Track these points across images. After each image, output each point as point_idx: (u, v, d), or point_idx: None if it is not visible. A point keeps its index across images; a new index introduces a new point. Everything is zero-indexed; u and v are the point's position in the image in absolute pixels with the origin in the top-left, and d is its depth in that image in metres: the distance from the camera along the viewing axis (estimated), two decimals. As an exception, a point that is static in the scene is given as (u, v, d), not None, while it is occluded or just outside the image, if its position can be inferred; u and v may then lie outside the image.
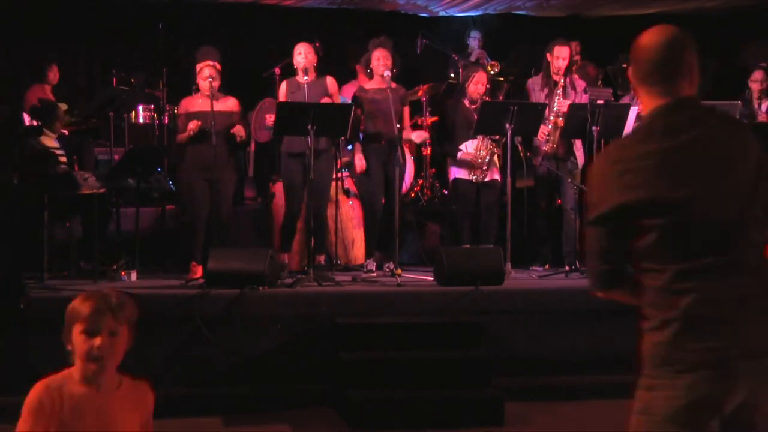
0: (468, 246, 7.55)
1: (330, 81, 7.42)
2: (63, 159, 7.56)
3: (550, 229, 8.03)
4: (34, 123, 8.37)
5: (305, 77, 7.20)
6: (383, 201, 7.51)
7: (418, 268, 7.57)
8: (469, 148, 7.74)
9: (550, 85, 7.78)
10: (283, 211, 7.55)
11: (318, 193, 7.19)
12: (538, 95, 7.81)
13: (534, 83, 7.93)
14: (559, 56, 7.70)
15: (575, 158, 7.98)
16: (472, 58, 9.95)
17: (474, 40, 10.32)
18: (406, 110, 7.64)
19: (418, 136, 8.09)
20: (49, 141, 7.55)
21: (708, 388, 2.35)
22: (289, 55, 7.46)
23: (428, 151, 9.26)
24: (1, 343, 5.78)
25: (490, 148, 7.70)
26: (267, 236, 8.00)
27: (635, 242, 2.43)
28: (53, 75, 9.10)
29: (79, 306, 2.73)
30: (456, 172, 7.82)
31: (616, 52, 9.08)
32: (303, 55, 7.23)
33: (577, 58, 8.82)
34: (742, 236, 2.40)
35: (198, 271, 7.07)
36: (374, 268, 7.41)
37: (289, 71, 7.72)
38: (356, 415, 5.58)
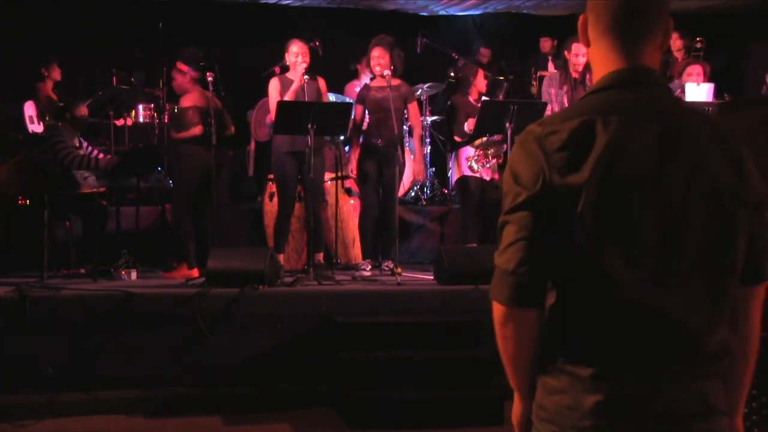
0: (474, 245, 7.52)
1: (321, 82, 7.39)
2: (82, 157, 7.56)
3: None
4: (34, 117, 8.37)
5: (305, 77, 7.18)
6: (378, 200, 7.49)
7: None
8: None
9: (570, 82, 7.58)
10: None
11: (315, 191, 7.18)
12: (557, 92, 7.60)
13: (552, 80, 7.73)
14: (578, 53, 7.48)
15: None
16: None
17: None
18: (412, 107, 7.54)
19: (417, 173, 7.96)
20: (73, 139, 7.51)
21: None
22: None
23: (428, 152, 9.26)
24: (1, 343, 5.77)
25: (484, 150, 7.71)
26: (265, 236, 7.97)
27: None
28: (54, 75, 9.11)
29: None
30: (463, 170, 7.81)
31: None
32: (302, 56, 7.20)
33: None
34: None
35: (184, 269, 7.10)
36: (369, 268, 7.37)
37: (282, 69, 7.65)
38: (356, 415, 5.57)
